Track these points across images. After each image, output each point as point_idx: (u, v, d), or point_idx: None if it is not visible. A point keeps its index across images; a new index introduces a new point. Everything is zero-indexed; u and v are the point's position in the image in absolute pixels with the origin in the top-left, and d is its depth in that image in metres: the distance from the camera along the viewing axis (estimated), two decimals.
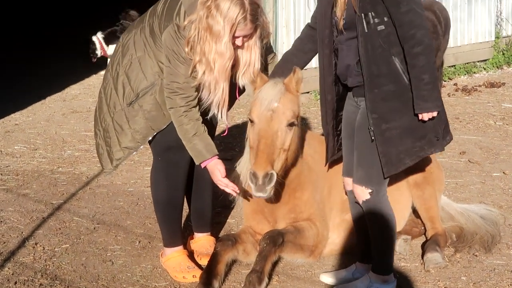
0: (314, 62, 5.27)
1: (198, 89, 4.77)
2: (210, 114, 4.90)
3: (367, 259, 5.03)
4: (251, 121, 4.74)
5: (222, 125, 5.40)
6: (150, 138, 5.08)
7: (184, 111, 4.74)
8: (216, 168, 4.85)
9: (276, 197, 5.07)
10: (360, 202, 4.68)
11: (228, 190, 4.91)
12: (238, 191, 4.95)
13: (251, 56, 4.72)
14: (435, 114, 4.36)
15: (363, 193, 4.62)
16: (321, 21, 4.68)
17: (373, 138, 4.44)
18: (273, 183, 4.57)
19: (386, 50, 4.38)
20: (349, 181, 4.87)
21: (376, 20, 4.35)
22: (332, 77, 4.69)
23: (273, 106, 4.66)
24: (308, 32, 4.96)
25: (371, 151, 4.48)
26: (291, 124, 4.72)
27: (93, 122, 5.36)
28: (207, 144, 4.84)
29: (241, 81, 4.85)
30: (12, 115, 9.87)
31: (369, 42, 4.38)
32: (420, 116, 4.35)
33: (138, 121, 4.97)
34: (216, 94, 4.71)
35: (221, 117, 4.90)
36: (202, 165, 4.87)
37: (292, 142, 4.78)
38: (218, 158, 4.88)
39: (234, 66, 4.76)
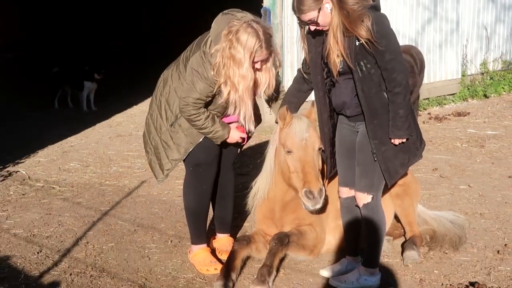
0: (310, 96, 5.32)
1: (210, 100, 4.87)
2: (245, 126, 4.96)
3: (355, 254, 5.07)
4: (289, 152, 4.79)
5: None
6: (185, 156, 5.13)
7: (196, 116, 4.81)
8: (234, 137, 5.01)
9: (284, 207, 5.10)
10: (361, 206, 4.75)
11: (241, 140, 5.09)
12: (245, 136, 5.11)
13: (269, 76, 4.78)
14: (404, 140, 4.49)
15: (365, 198, 4.70)
16: (313, 69, 4.71)
17: (375, 159, 4.55)
18: (324, 195, 4.71)
19: (378, 88, 4.44)
20: (344, 190, 4.95)
21: (369, 66, 4.38)
22: (327, 113, 4.74)
23: (305, 136, 4.76)
24: (301, 75, 4.98)
25: (372, 167, 4.59)
26: (320, 149, 4.83)
27: (143, 144, 5.39)
28: (222, 126, 4.92)
29: (263, 97, 4.95)
30: (69, 138, 9.91)
31: (365, 84, 4.43)
32: (392, 141, 4.49)
33: (180, 138, 5.03)
34: (242, 110, 4.76)
35: (249, 128, 4.94)
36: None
37: (320, 163, 4.90)
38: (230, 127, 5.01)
39: (255, 86, 4.82)
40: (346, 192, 4.94)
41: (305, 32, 4.63)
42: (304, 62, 4.90)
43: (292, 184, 4.85)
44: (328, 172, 5.02)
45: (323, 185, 4.84)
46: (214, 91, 4.77)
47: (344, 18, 4.30)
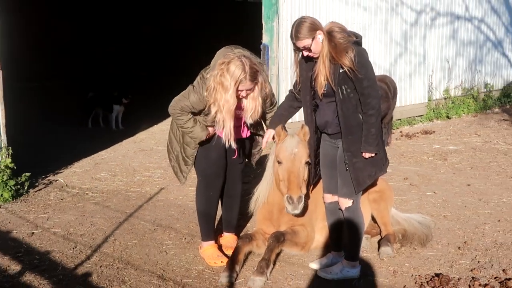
0: (298, 116, 5.35)
1: (196, 114, 4.92)
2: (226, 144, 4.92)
3: (339, 249, 5.06)
4: (279, 162, 4.81)
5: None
6: (196, 166, 5.18)
7: (179, 116, 4.87)
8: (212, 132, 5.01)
9: (281, 210, 5.09)
10: (343, 209, 4.76)
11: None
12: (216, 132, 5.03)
13: (255, 104, 4.79)
14: (373, 154, 4.55)
15: (347, 203, 4.73)
16: (303, 90, 4.76)
17: (347, 168, 4.60)
18: (303, 202, 4.70)
19: (355, 109, 4.51)
20: (328, 196, 4.97)
21: (348, 90, 4.47)
22: (313, 128, 4.80)
23: (294, 151, 4.75)
24: (292, 94, 5.01)
25: (349, 177, 4.64)
26: (307, 163, 4.80)
27: (166, 153, 5.42)
28: (201, 129, 4.93)
29: (248, 120, 4.92)
30: (100, 152, 9.90)
31: (344, 105, 4.50)
32: (363, 154, 4.55)
33: (187, 150, 5.11)
34: (225, 127, 4.77)
35: (230, 145, 4.89)
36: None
37: (307, 175, 4.86)
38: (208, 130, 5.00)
39: (240, 110, 4.85)
40: (330, 198, 4.94)
41: (298, 58, 4.70)
42: (295, 84, 4.93)
43: (280, 190, 4.87)
44: (312, 179, 5.02)
45: (307, 194, 4.87)
46: (203, 108, 4.83)
47: (332, 49, 4.43)
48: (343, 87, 4.47)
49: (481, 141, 10.86)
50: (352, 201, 4.72)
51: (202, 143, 5.06)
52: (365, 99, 4.46)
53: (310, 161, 4.84)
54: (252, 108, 4.80)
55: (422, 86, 13.45)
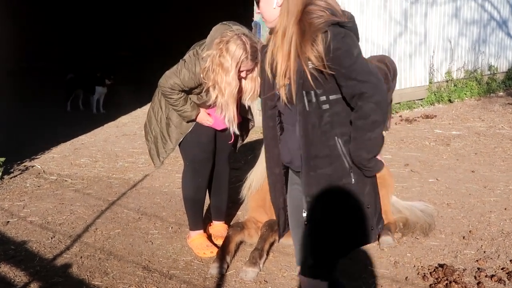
0: None
1: (187, 92, 4.83)
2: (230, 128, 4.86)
3: None
4: None
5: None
6: (183, 151, 5.11)
7: (170, 94, 4.77)
8: (202, 118, 4.94)
9: None
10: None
11: (209, 123, 4.97)
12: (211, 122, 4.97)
13: (254, 85, 4.68)
14: (379, 157, 3.03)
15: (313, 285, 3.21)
16: (262, 87, 3.24)
17: (306, 222, 3.08)
18: None
19: (328, 130, 2.94)
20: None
21: (322, 98, 2.90)
22: (278, 149, 3.20)
23: None
24: None
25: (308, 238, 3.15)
26: None
27: (144, 133, 5.36)
28: (192, 108, 4.86)
29: (247, 102, 4.84)
30: (80, 137, 9.84)
31: (310, 121, 2.93)
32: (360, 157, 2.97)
33: (172, 130, 5.02)
34: (227, 113, 4.68)
35: (233, 129, 4.85)
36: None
37: None
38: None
39: (241, 92, 4.73)
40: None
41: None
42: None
43: None
44: (282, 229, 3.41)
45: None
46: (195, 87, 4.75)
47: (299, 31, 2.88)
48: (312, 93, 2.91)
49: (485, 126, 10.86)
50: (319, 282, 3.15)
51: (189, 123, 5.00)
52: (362, 104, 2.87)
53: None
54: (251, 89, 4.69)
55: (423, 68, 13.42)
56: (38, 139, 9.33)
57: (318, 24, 2.82)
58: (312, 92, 2.90)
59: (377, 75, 2.91)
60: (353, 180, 2.97)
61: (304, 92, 2.90)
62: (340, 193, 2.98)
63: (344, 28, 2.86)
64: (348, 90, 2.88)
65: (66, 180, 7.29)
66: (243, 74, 4.63)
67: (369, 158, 2.92)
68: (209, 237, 5.40)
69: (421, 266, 4.87)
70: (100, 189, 6.97)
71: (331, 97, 2.92)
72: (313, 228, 3.05)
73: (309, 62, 2.84)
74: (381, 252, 5.19)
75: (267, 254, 4.98)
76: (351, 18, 2.95)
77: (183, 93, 4.80)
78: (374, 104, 2.85)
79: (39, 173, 7.58)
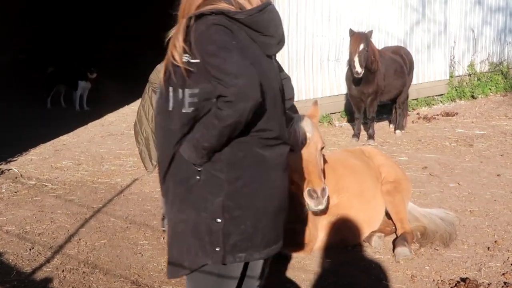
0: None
1: None
2: None
3: None
4: (290, 150, 4.65)
5: None
6: None
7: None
8: None
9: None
10: None
11: None
12: None
13: None
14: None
15: None
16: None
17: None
18: (327, 196, 4.47)
19: (177, 137, 2.67)
20: None
21: (180, 97, 2.62)
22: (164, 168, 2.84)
23: (309, 135, 4.55)
24: None
25: None
26: (322, 148, 4.65)
27: (134, 134, 5.38)
28: None
29: None
30: (61, 137, 9.87)
31: (167, 122, 2.70)
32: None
33: None
34: None
35: None
36: None
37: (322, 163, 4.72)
38: None
39: None
40: None
41: None
42: None
43: (295, 182, 4.61)
44: None
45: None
46: None
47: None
48: (180, 91, 2.65)
49: None
50: None
51: None
52: (222, 105, 2.53)
53: (324, 146, 4.72)
54: None
55: (442, 60, 13.44)
56: (15, 140, 9.35)
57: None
58: (180, 90, 2.64)
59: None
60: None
61: (170, 88, 2.67)
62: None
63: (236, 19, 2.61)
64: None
65: (46, 185, 7.30)
66: None
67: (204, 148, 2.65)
68: None
69: (441, 281, 4.86)
70: (84, 195, 6.97)
71: (202, 99, 2.63)
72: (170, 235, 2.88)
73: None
74: (396, 265, 5.18)
75: (269, 267, 4.96)
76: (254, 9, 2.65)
77: None
78: (238, 109, 2.52)
79: (16, 177, 7.58)
